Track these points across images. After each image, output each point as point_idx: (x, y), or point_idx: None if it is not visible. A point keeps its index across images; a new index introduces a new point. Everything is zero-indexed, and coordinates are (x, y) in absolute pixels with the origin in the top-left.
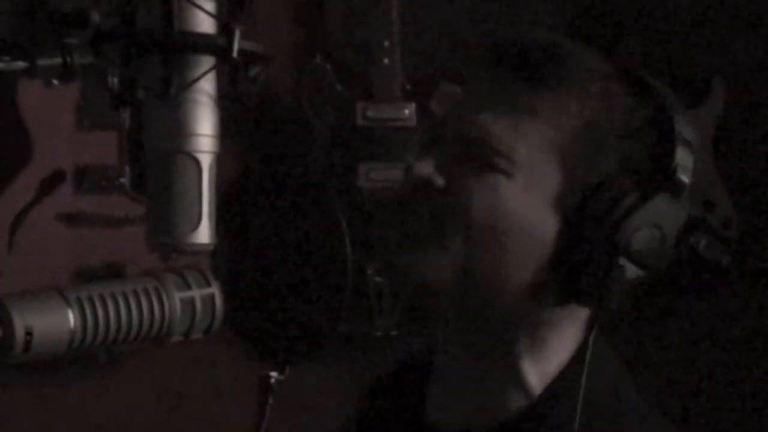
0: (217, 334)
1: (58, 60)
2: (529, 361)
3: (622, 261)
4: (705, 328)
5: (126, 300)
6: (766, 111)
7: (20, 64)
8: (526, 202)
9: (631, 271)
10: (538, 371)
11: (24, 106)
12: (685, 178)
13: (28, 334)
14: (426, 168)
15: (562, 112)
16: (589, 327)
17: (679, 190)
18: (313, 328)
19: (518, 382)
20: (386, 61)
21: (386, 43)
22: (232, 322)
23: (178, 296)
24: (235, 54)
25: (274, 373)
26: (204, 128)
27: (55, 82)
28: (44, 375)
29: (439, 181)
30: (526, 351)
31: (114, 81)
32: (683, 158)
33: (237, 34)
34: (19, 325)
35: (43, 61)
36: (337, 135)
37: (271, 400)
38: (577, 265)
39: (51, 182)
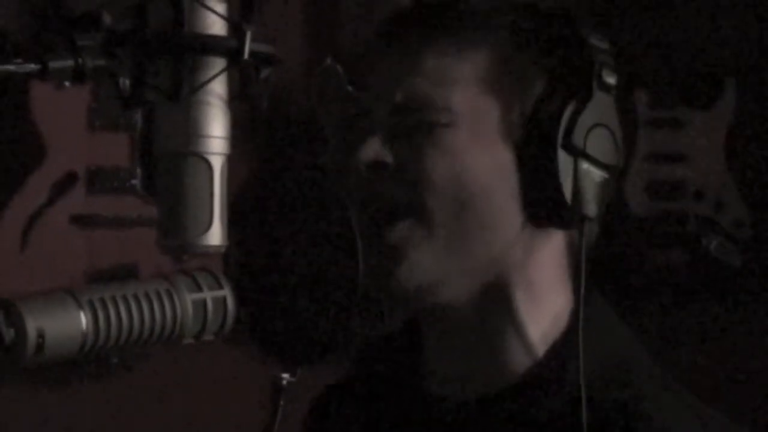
0: (229, 336)
1: (70, 62)
2: (527, 309)
3: (584, 165)
4: (715, 328)
5: (138, 302)
6: None
7: (32, 67)
8: (477, 146)
9: (595, 173)
10: (538, 324)
11: (36, 108)
12: (611, 78)
13: (40, 336)
14: (371, 149)
15: (474, 47)
16: (577, 259)
17: (609, 87)
18: (325, 329)
19: (520, 335)
20: None
21: None
22: (243, 324)
23: (189, 298)
24: (246, 56)
25: (285, 375)
26: (215, 130)
27: (66, 84)
28: (57, 376)
29: (388, 158)
30: (523, 298)
31: (125, 83)
32: (603, 59)
33: (248, 35)
34: (31, 327)
35: (54, 64)
36: (348, 136)
37: (282, 402)
38: (546, 185)
39: (63, 184)
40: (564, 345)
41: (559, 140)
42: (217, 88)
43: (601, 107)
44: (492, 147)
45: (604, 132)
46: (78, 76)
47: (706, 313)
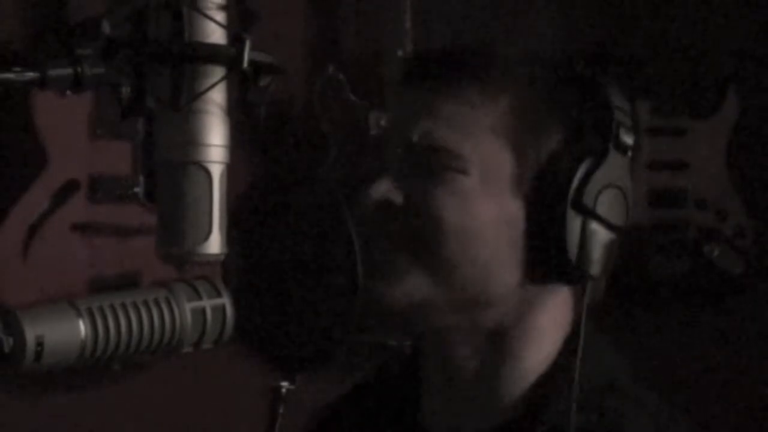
0: (228, 345)
1: (69, 71)
2: (523, 350)
3: (593, 224)
4: (717, 336)
5: (137, 310)
6: None
7: (31, 75)
8: (488, 194)
9: (603, 234)
10: (533, 360)
11: (37, 116)
12: (627, 139)
13: (39, 344)
14: (381, 188)
15: (495, 96)
16: (579, 310)
17: (625, 148)
18: (324, 337)
19: (514, 371)
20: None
21: (399, 53)
22: (242, 332)
23: (188, 306)
24: (245, 64)
25: (284, 383)
26: (214, 138)
27: (68, 92)
28: (56, 384)
29: (397, 198)
30: (520, 341)
31: (126, 91)
32: (621, 120)
33: (247, 44)
34: (30, 335)
35: (53, 72)
36: (350, 145)
37: (282, 410)
38: (552, 241)
39: (65, 192)
40: (554, 377)
41: (570, 199)
42: (217, 96)
43: (615, 167)
44: (501, 197)
45: (615, 192)
46: (77, 84)
47: (707, 321)
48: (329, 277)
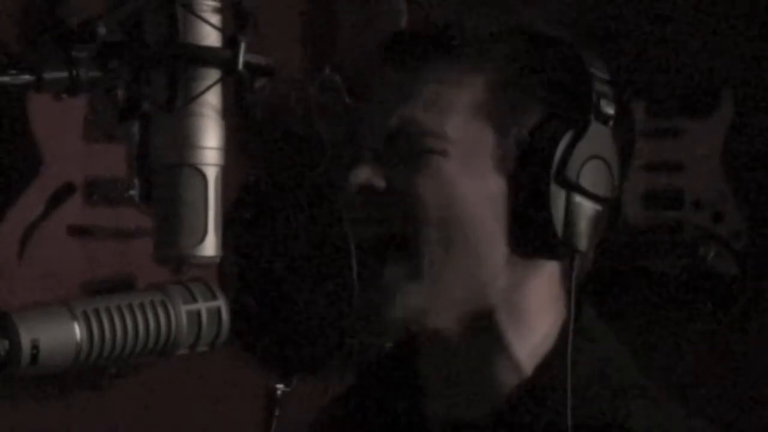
0: (224, 347)
1: (65, 74)
2: (514, 332)
3: (578, 198)
4: (712, 338)
5: (132, 313)
6: None
7: (27, 78)
8: (470, 174)
9: (588, 207)
10: (525, 344)
11: (33, 119)
12: (608, 109)
13: (35, 347)
14: (362, 173)
15: (472, 75)
16: (568, 287)
17: (606, 118)
18: (320, 340)
19: (507, 357)
20: None
21: None
22: (238, 335)
23: (184, 309)
24: (240, 67)
25: (280, 386)
26: (210, 141)
27: (64, 95)
28: (53, 387)
29: (379, 182)
30: (510, 322)
31: (122, 94)
32: (601, 90)
33: (242, 46)
34: (26, 338)
35: (49, 75)
36: (345, 147)
37: (278, 412)
38: (537, 217)
39: (61, 195)
40: (551, 364)
41: (553, 173)
42: (212, 99)
43: (597, 139)
44: (484, 176)
45: (599, 164)
46: (73, 87)
47: (702, 322)
48: (325, 280)
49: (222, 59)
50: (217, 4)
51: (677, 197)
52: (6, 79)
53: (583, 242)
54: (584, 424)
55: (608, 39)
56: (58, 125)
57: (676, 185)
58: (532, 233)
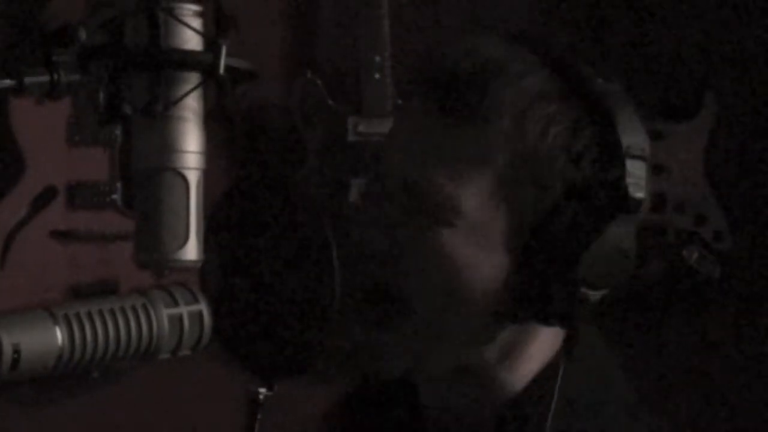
0: (206, 351)
1: (46, 77)
2: (509, 373)
3: (584, 290)
4: (696, 340)
5: (114, 317)
6: (759, 124)
7: (7, 82)
8: (474, 250)
9: (595, 295)
10: (520, 379)
11: (15, 122)
12: (639, 194)
13: (16, 351)
14: (367, 218)
15: (501, 151)
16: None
17: (634, 207)
18: (302, 343)
19: (499, 388)
20: (377, 75)
21: (377, 58)
22: (220, 339)
23: (165, 313)
24: (221, 71)
25: (262, 389)
26: (191, 145)
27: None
28: (35, 392)
29: (382, 242)
30: (506, 368)
31: (102, 98)
32: (635, 172)
33: (224, 50)
34: (7, 343)
35: (30, 79)
36: (328, 150)
37: (260, 417)
38: (537, 300)
39: (43, 199)
40: (544, 380)
41: (563, 270)
42: (193, 102)
43: (620, 230)
44: (489, 250)
45: (616, 257)
46: (54, 91)
47: (685, 325)
48: (308, 283)
49: (203, 63)
50: (198, 9)
51: (660, 200)
52: None
53: (585, 318)
54: None
55: (591, 41)
56: (41, 129)
57: (659, 188)
58: (534, 310)
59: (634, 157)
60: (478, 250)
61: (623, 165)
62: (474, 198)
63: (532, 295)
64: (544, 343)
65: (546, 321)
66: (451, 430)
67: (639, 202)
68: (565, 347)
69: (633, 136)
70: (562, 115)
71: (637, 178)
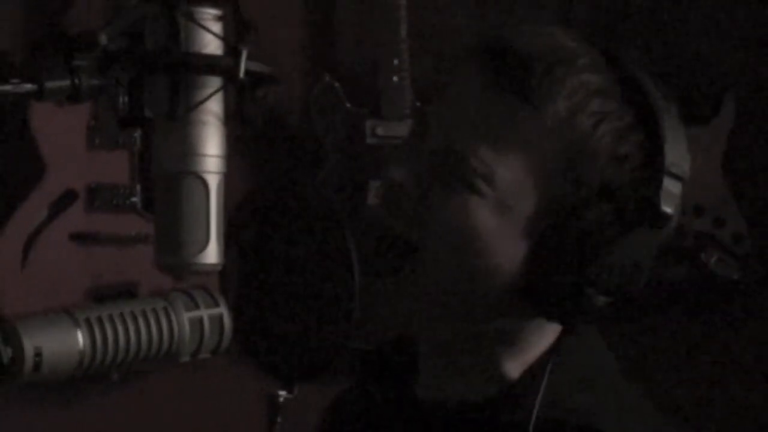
0: (226, 354)
1: (67, 82)
2: (508, 355)
3: (591, 292)
4: (715, 343)
5: (134, 320)
6: None
7: (29, 87)
8: (497, 224)
9: (600, 299)
10: (517, 364)
11: (36, 126)
12: (669, 210)
13: (38, 354)
14: (401, 172)
15: (550, 135)
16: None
17: (661, 222)
18: (322, 346)
19: (497, 374)
20: (395, 79)
21: (395, 62)
22: (240, 342)
23: (186, 316)
24: (241, 75)
25: (282, 392)
26: (211, 149)
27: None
28: (55, 394)
29: (413, 189)
30: (505, 347)
31: (123, 102)
32: (670, 189)
33: (244, 55)
34: (29, 346)
35: (51, 84)
36: (346, 153)
37: (280, 419)
38: (543, 289)
39: (63, 202)
40: (535, 371)
41: (575, 268)
42: (214, 107)
43: (641, 242)
44: (512, 227)
45: (630, 269)
46: (74, 95)
47: (704, 327)
48: (327, 287)
49: (223, 67)
50: (218, 13)
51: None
52: (8, 87)
53: (582, 323)
54: (557, 422)
55: (608, 43)
56: (61, 133)
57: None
58: (539, 301)
59: (673, 175)
60: (501, 225)
61: (661, 179)
62: (510, 175)
63: (539, 286)
64: (543, 335)
65: (547, 314)
66: (445, 423)
67: (667, 218)
68: (558, 342)
69: (678, 156)
70: (615, 117)
71: (671, 196)
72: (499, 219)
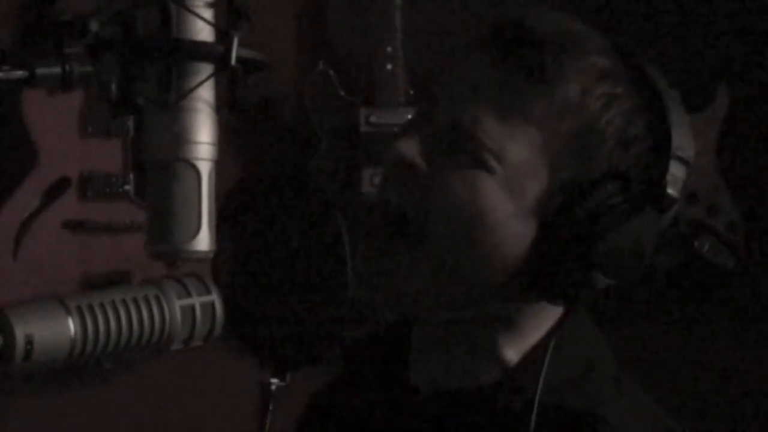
0: (218, 342)
1: (58, 69)
2: (507, 340)
3: (595, 273)
4: (708, 330)
5: (126, 308)
6: None
7: (20, 74)
8: (504, 201)
9: (602, 281)
10: (515, 349)
11: (28, 114)
12: (674, 193)
13: (29, 342)
14: (410, 148)
15: (559, 116)
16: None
17: (667, 206)
18: (314, 334)
19: (495, 359)
20: (389, 66)
21: (389, 49)
22: (232, 330)
23: (178, 304)
24: (233, 61)
25: (275, 380)
26: (203, 136)
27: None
28: (47, 382)
29: (422, 164)
30: (504, 331)
31: (114, 89)
32: (676, 173)
33: (235, 41)
34: (20, 333)
35: (42, 71)
36: (340, 141)
37: (272, 407)
38: (548, 270)
39: (55, 190)
40: (533, 359)
41: (581, 247)
42: (205, 93)
43: (646, 224)
44: (519, 206)
45: (634, 250)
46: (66, 83)
47: (698, 315)
48: (320, 274)
49: (215, 54)
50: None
51: None
52: None
53: (584, 304)
54: (554, 410)
55: (603, 31)
56: (53, 120)
57: None
58: (543, 284)
59: (680, 159)
60: (508, 202)
61: (668, 163)
62: (519, 152)
63: (545, 266)
64: (542, 320)
65: (551, 297)
66: (441, 410)
67: (672, 201)
68: (559, 325)
69: (684, 140)
70: (624, 100)
71: (676, 180)
72: (507, 197)
